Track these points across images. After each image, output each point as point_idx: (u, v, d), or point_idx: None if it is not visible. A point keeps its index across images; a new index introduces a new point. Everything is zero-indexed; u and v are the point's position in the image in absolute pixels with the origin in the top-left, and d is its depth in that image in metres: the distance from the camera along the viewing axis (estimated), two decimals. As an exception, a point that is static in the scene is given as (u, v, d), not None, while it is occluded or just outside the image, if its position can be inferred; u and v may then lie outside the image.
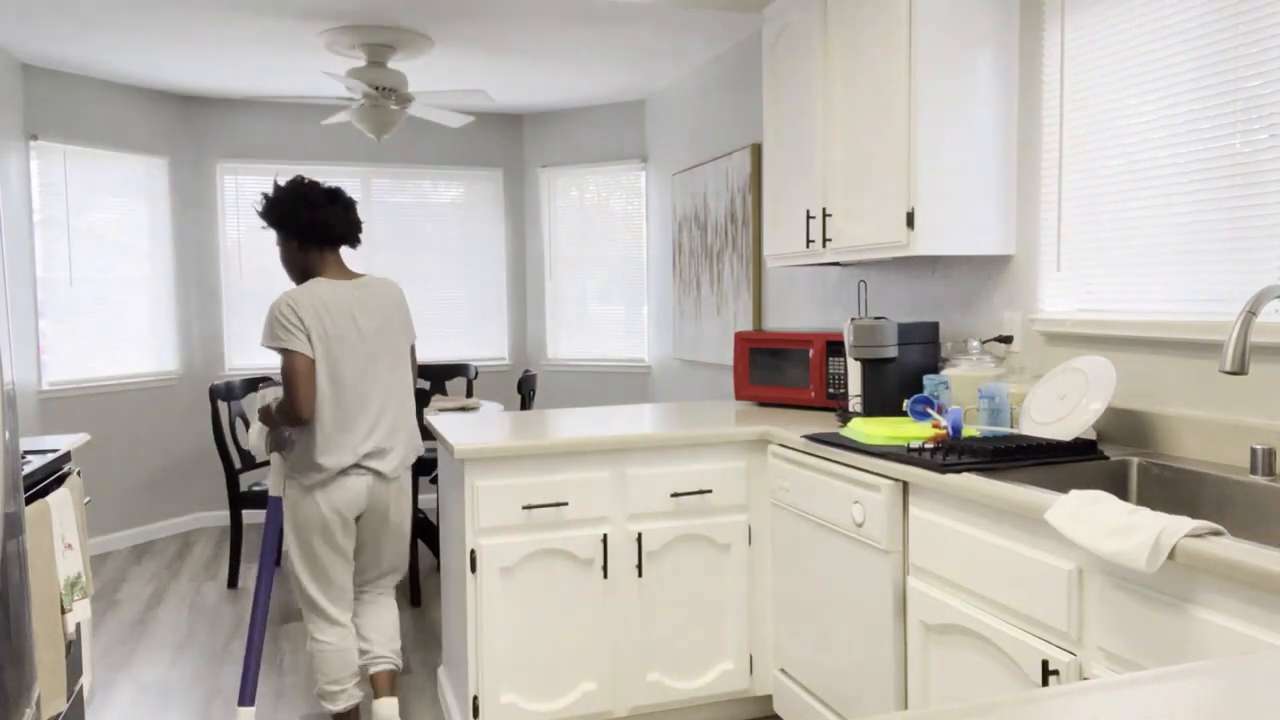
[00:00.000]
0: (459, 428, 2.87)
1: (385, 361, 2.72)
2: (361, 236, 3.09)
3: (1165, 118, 2.22)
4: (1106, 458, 2.16)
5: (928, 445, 2.22)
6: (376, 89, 4.20)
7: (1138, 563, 1.48)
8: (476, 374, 5.45)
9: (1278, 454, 1.92)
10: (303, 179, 2.78)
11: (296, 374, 2.58)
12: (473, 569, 2.60)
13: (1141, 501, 2.14)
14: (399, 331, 2.77)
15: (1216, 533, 1.47)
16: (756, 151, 4.25)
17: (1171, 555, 1.46)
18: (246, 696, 2.71)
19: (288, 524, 2.72)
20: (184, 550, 5.23)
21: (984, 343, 2.77)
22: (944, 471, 2.03)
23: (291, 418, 2.60)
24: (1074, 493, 1.70)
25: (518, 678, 2.65)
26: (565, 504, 2.66)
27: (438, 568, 4.75)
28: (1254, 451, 1.92)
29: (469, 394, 5.32)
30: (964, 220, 2.63)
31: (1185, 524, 1.48)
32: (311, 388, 2.60)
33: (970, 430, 2.37)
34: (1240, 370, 1.72)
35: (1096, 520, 1.60)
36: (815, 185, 3.06)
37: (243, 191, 5.78)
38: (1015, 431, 2.35)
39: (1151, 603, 1.53)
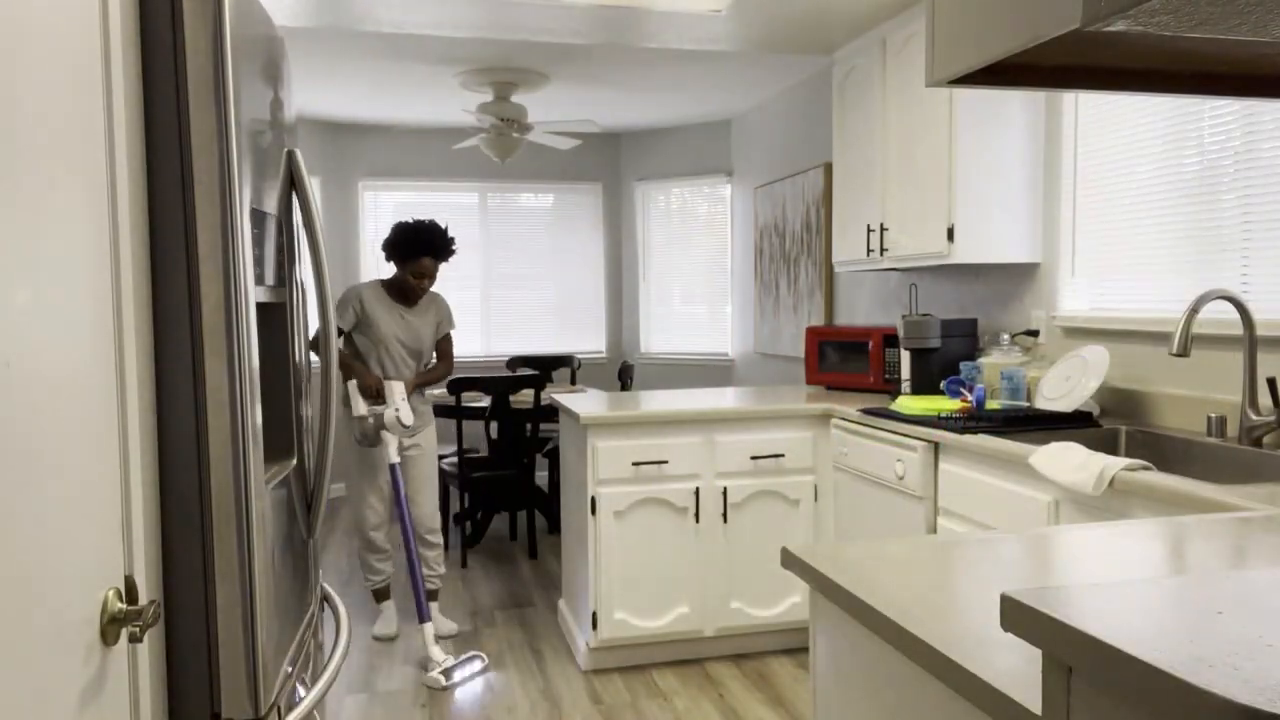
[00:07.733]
0: (581, 402, 3.56)
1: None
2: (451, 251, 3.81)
3: (1164, 143, 2.76)
4: (1100, 425, 2.71)
5: (955, 414, 2.81)
6: (502, 120, 4.94)
7: (1086, 488, 2.06)
8: (580, 364, 6.15)
9: (1228, 421, 2.46)
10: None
11: None
12: (593, 512, 3.28)
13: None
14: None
15: (1146, 468, 2.04)
16: (828, 170, 4.83)
17: (1111, 484, 2.03)
18: (424, 614, 3.44)
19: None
20: (329, 515, 6.01)
21: (1014, 336, 3.33)
22: (964, 433, 2.62)
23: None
24: (1052, 444, 2.28)
25: (627, 600, 3.33)
26: (665, 462, 3.32)
27: (549, 530, 5.46)
28: (1209, 419, 2.46)
29: (573, 382, 6.03)
30: (996, 233, 3.20)
31: (1123, 461, 2.05)
32: None
33: (993, 404, 2.95)
34: (1184, 353, 2.28)
35: (1063, 461, 2.18)
36: (874, 203, 3.65)
37: (380, 204, 6.61)
38: (1028, 405, 2.91)
39: (1100, 518, 2.10)
